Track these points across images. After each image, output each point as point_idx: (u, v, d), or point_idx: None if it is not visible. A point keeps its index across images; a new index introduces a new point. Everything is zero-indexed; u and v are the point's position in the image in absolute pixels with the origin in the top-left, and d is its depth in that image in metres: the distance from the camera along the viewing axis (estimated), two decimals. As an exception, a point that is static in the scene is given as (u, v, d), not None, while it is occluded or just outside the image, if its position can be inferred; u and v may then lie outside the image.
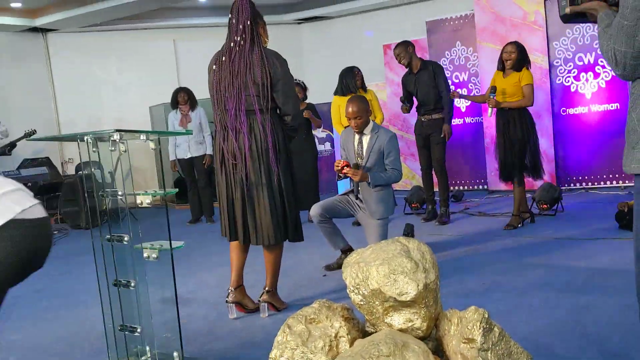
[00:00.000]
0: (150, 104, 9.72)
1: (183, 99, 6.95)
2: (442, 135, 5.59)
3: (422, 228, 5.52)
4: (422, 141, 5.80)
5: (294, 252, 4.60)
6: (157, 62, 10.10)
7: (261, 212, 3.19)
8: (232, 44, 3.20)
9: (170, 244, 2.67)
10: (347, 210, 4.26)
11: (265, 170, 3.17)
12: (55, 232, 7.17)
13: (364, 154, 4.16)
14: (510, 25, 7.11)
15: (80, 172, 8.16)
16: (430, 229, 5.51)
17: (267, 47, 3.25)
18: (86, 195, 2.75)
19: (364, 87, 5.91)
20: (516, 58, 5.01)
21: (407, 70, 5.81)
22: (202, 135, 7.01)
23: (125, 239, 2.58)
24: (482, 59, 7.48)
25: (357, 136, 4.21)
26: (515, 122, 5.06)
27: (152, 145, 2.65)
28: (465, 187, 7.93)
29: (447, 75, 7.83)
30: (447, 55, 7.99)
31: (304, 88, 6.26)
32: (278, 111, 3.25)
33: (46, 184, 8.27)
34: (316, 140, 9.10)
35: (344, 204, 4.25)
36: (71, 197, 7.54)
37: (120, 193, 2.58)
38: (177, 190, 3.04)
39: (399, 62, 5.76)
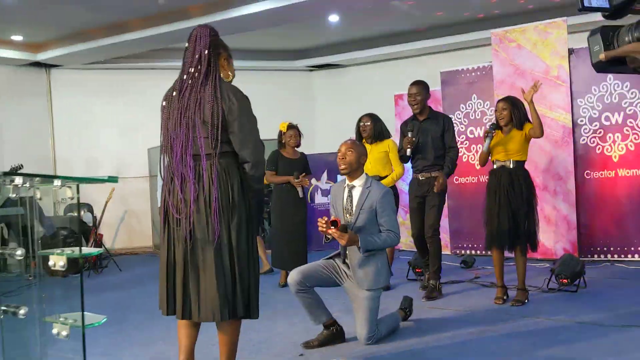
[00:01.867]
0: (149, 146, 9.29)
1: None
2: (436, 191, 4.95)
3: (423, 300, 4.84)
4: (416, 203, 5.06)
5: (268, 321, 3.97)
6: (159, 103, 9.66)
7: (206, 280, 2.59)
8: (184, 76, 2.69)
9: (83, 318, 2.09)
10: (332, 278, 3.65)
11: (214, 229, 2.60)
12: None
13: (353, 210, 3.58)
14: (530, 79, 6.56)
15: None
16: (432, 301, 4.82)
17: (229, 83, 2.74)
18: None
19: (376, 137, 5.37)
20: (508, 115, 4.55)
21: (411, 116, 5.26)
22: None
23: (22, 311, 2.01)
24: (500, 114, 6.92)
25: (346, 190, 3.64)
26: (521, 182, 4.51)
27: (68, 193, 2.11)
28: (477, 252, 7.24)
29: (460, 129, 7.41)
30: (462, 108, 7.46)
31: (298, 134, 5.75)
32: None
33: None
34: (319, 192, 8.57)
35: (329, 270, 3.65)
36: None
37: (18, 253, 2.02)
38: (97, 251, 2.48)
39: (411, 104, 5.09)
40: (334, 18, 8.17)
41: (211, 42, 2.71)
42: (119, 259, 8.24)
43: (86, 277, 6.99)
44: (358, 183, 3.61)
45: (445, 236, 6.76)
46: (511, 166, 4.53)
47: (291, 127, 5.73)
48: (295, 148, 5.79)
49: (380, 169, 5.28)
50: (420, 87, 5.07)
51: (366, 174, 3.70)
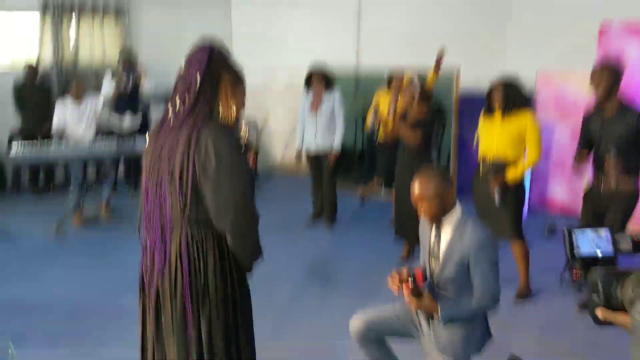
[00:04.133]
0: (329, 59, 8.46)
1: (317, 78, 5.81)
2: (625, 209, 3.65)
3: None
4: (591, 214, 3.88)
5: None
6: (337, 17, 8.49)
7: None
8: (169, 111, 1.99)
9: None
10: (407, 330, 2.84)
11: (181, 315, 1.96)
12: None
13: (440, 258, 2.66)
14: None
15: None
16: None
17: (221, 124, 1.97)
18: None
19: (511, 107, 4.05)
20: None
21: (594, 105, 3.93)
22: (333, 124, 5.86)
23: None
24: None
25: (434, 227, 2.71)
26: None
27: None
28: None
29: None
30: None
31: None
32: None
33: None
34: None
35: (404, 319, 2.84)
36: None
37: None
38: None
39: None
40: None
41: (208, 65, 1.97)
42: (280, 179, 8.11)
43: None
44: (448, 222, 2.65)
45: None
46: None
47: None
48: None
49: (508, 151, 4.09)
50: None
51: (459, 206, 2.68)
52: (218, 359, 1.98)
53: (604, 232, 1.45)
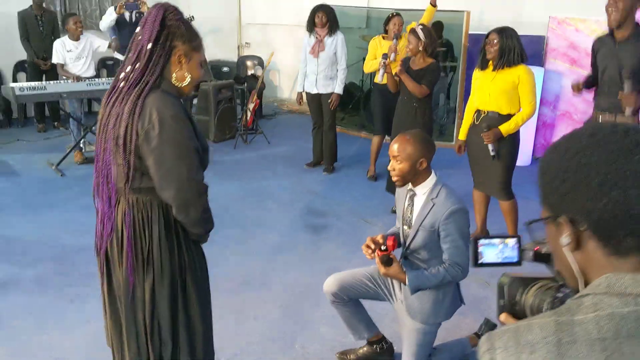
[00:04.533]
0: None
1: (321, 20, 5.61)
2: None
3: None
4: None
5: (303, 318, 3.37)
6: None
7: (125, 335, 2.05)
8: (120, 76, 1.91)
9: None
10: (380, 294, 2.84)
11: (126, 281, 1.96)
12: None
13: (412, 223, 2.63)
14: None
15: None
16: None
17: (168, 93, 1.89)
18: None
19: (504, 61, 3.90)
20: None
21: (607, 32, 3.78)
22: (335, 68, 5.70)
23: None
24: None
25: (408, 195, 2.66)
26: None
27: None
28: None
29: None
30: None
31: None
32: None
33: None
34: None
35: (376, 284, 2.82)
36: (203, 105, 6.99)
37: None
38: None
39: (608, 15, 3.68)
40: None
41: (162, 31, 1.86)
42: (285, 117, 8.03)
43: (231, 146, 6.94)
44: (421, 191, 2.59)
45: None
46: None
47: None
48: None
49: (502, 105, 3.97)
50: None
51: (435, 176, 2.62)
52: (164, 323, 1.99)
53: (512, 241, 1.41)
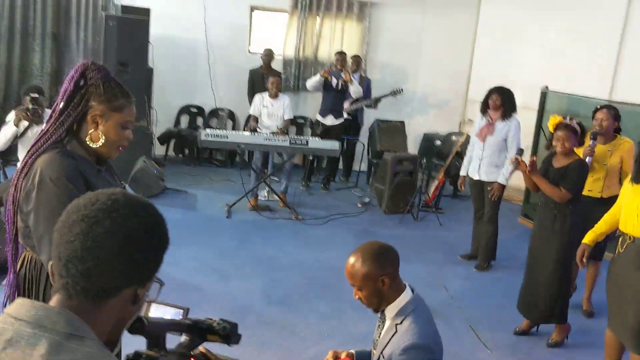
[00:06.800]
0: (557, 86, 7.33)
1: (494, 102, 5.13)
2: None
3: None
4: None
5: None
6: (601, 29, 7.04)
7: None
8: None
9: None
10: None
11: None
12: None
13: (376, 350, 2.20)
14: None
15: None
16: None
17: (69, 153, 1.88)
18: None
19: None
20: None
21: None
22: (503, 155, 5.11)
23: None
24: None
25: (380, 316, 2.28)
26: None
27: None
28: None
29: None
30: None
31: None
32: None
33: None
34: None
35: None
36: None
37: None
38: None
39: None
40: None
41: (78, 90, 1.87)
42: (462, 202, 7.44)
43: (398, 220, 6.65)
44: (389, 313, 2.17)
45: None
46: None
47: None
48: None
49: None
50: None
51: (409, 293, 2.17)
52: None
53: None
